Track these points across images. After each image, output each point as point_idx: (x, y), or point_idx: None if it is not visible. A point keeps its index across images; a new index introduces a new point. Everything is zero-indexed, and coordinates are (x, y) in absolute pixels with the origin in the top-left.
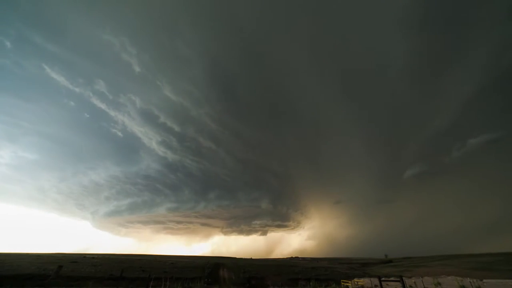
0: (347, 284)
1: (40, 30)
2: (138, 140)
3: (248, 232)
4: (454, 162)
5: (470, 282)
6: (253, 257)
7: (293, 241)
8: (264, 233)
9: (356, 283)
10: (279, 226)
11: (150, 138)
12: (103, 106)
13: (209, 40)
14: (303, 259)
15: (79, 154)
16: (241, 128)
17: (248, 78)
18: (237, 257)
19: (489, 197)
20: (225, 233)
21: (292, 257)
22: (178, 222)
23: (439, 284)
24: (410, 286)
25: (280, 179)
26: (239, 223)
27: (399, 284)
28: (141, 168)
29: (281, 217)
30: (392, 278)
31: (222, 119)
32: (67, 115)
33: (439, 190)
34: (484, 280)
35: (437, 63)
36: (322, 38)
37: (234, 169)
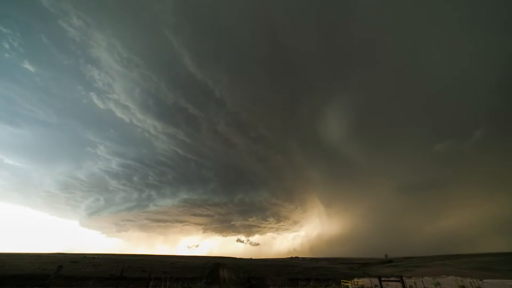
0: (347, 284)
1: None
2: (137, 130)
3: (243, 233)
4: (455, 165)
5: (470, 282)
6: (253, 257)
7: (293, 241)
8: (253, 233)
9: (356, 283)
10: (280, 227)
11: (150, 126)
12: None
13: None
14: (303, 259)
15: (76, 143)
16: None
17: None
18: (237, 257)
19: (488, 198)
20: (216, 231)
21: (292, 257)
22: (171, 221)
23: (439, 284)
24: (410, 286)
25: (287, 179)
26: (237, 223)
27: (399, 284)
28: (134, 159)
29: (282, 217)
30: (392, 278)
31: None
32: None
33: (439, 191)
34: (484, 280)
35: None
36: None
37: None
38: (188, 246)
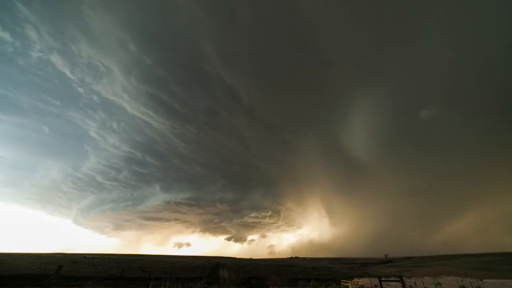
0: (347, 284)
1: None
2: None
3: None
4: (455, 166)
5: (470, 282)
6: (253, 257)
7: (293, 241)
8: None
9: (356, 283)
10: (280, 227)
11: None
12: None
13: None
14: (303, 259)
15: (80, 139)
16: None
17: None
18: (237, 257)
19: (489, 199)
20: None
21: (292, 257)
22: (170, 219)
23: (439, 284)
24: (410, 286)
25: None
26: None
27: (399, 284)
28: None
29: (289, 218)
30: (392, 278)
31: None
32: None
33: (439, 191)
34: (484, 280)
35: None
36: None
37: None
38: (176, 243)
